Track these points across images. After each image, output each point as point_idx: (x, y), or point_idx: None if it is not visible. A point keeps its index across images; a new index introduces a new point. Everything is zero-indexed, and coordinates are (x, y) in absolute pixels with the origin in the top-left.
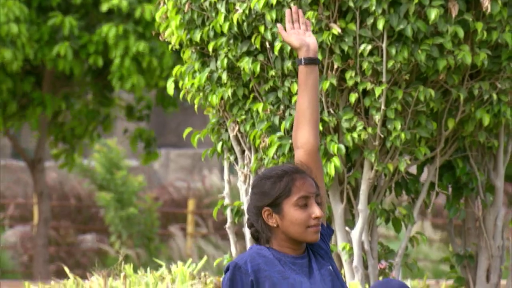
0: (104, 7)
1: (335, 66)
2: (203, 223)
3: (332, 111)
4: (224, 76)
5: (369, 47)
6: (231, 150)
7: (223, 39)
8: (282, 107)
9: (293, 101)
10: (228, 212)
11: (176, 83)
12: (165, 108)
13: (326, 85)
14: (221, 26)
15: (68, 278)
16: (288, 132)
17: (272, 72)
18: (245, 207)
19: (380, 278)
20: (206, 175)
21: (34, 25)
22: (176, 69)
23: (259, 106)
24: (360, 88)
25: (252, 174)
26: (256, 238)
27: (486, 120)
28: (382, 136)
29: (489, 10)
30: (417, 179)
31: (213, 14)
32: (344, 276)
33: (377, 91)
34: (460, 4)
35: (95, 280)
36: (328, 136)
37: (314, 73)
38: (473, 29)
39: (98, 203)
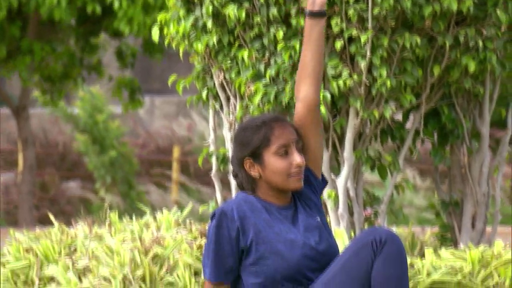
0: None
1: None
2: (187, 170)
3: None
4: (209, 23)
5: None
6: (216, 97)
7: None
8: (267, 54)
9: (278, 48)
10: (213, 160)
11: (161, 30)
12: (151, 56)
13: None
14: None
15: (53, 225)
16: (274, 80)
17: (258, 19)
18: (230, 154)
19: (366, 225)
20: (191, 122)
21: None
22: (161, 16)
23: (245, 53)
24: (346, 35)
25: (237, 121)
26: (241, 187)
27: (472, 67)
28: (367, 83)
29: None
30: (402, 126)
31: None
32: (330, 224)
33: (363, 38)
34: None
35: (80, 227)
36: None
37: (319, 26)
38: None
39: (78, 148)
